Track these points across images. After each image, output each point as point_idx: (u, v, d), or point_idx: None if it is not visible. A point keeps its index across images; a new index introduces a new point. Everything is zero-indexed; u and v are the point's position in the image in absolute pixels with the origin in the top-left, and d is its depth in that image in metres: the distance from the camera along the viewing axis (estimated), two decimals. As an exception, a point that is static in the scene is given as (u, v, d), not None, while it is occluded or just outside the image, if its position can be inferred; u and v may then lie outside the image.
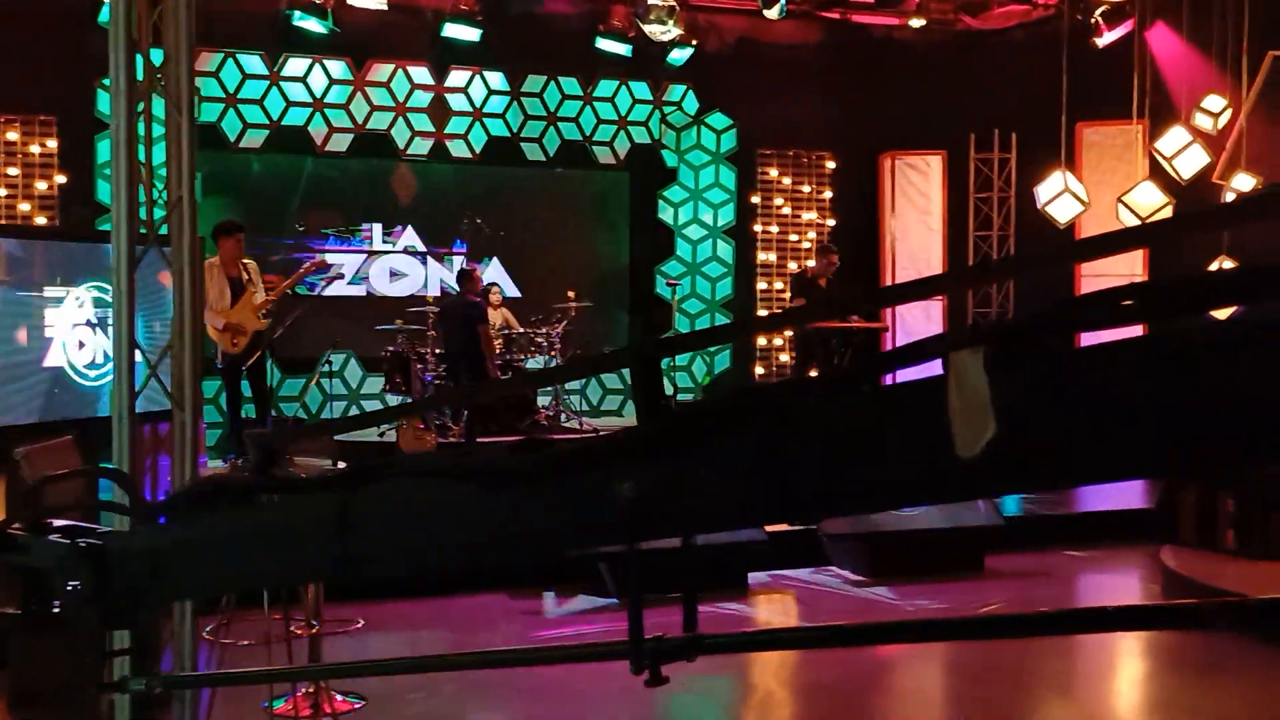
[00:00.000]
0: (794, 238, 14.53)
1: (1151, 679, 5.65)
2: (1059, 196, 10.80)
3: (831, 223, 14.56)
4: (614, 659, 1.38)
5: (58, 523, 1.87)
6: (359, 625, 5.64)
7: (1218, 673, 5.49)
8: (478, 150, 13.61)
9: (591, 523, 1.36)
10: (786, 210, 14.56)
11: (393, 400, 12.64)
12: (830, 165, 14.61)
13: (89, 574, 1.78)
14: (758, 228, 14.49)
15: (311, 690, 4.69)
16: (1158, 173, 10.72)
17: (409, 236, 13.56)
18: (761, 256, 14.51)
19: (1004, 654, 5.80)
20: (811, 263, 12.60)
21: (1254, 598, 1.11)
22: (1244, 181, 10.33)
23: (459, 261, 13.11)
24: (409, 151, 13.32)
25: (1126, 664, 5.99)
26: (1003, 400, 1.02)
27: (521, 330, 12.09)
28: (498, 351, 11.30)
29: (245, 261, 9.76)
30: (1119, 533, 8.08)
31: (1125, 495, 9.44)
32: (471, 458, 1.44)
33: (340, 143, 12.98)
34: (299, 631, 4.71)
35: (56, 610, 1.81)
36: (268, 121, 12.64)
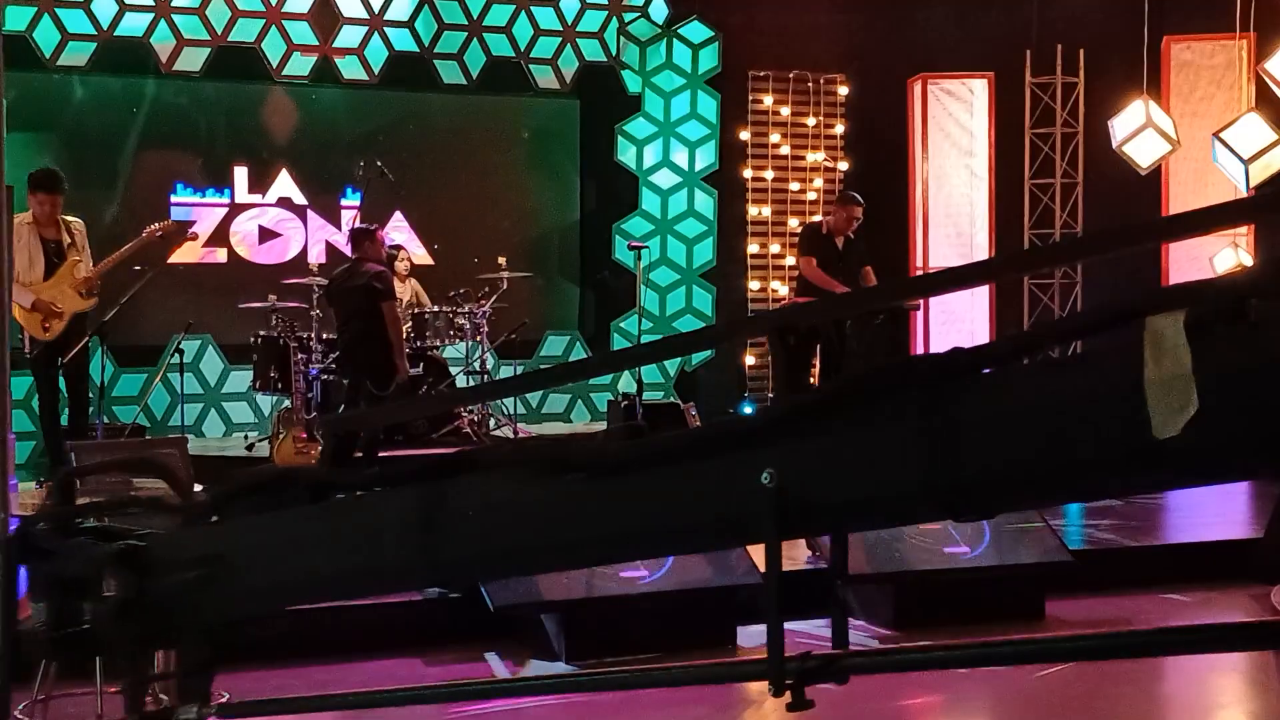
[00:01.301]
0: (796, 186, 14.60)
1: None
2: (1140, 132, 10.93)
3: (844, 166, 14.64)
4: (753, 679, 1.60)
5: (89, 524, 2.03)
6: (223, 698, 5.64)
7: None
8: (376, 71, 13.57)
9: (721, 517, 1.49)
10: (785, 150, 14.62)
11: (265, 401, 12.59)
12: (843, 91, 14.68)
13: (128, 582, 1.92)
14: (748, 173, 14.54)
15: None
16: (1267, 101, 10.86)
17: (284, 185, 13.52)
18: (753, 211, 14.55)
19: (1069, 712, 5.89)
20: (823, 217, 12.62)
21: None
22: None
23: (352, 218, 13.07)
24: (284, 72, 13.26)
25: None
26: (1208, 373, 1.11)
27: (438, 310, 12.08)
28: (407, 337, 11.28)
29: (68, 220, 9.70)
30: (1219, 570, 8.17)
31: (1226, 523, 9.56)
32: (578, 446, 1.59)
33: (193, 60, 12.90)
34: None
35: (87, 626, 1.96)
36: (95, 31, 12.54)
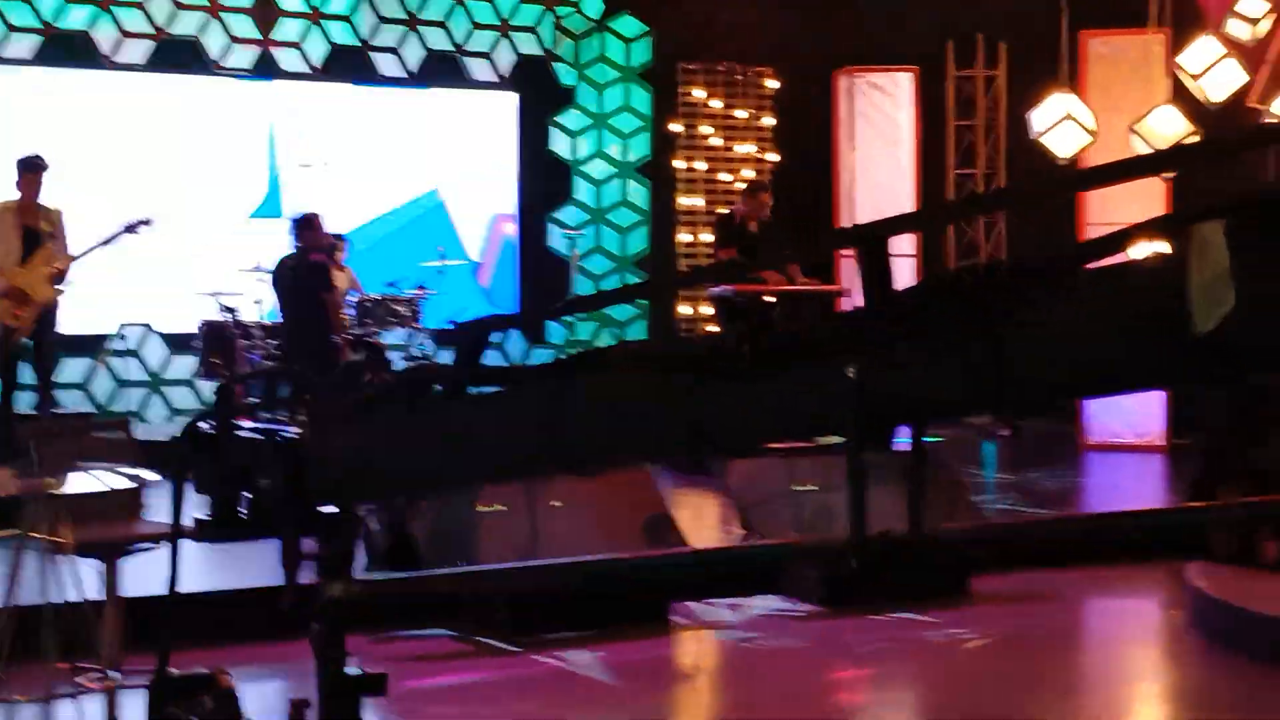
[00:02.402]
0: (726, 177, 14.59)
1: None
2: (1059, 124, 10.99)
3: (774, 157, 14.66)
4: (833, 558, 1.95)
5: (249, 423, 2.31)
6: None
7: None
8: (316, 63, 13.44)
9: (813, 409, 1.69)
10: (717, 142, 14.62)
11: (208, 387, 12.45)
12: (772, 85, 14.69)
13: (285, 471, 2.18)
14: (680, 164, 14.52)
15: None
16: (1181, 94, 10.96)
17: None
18: (684, 201, 14.55)
19: (990, 698, 5.92)
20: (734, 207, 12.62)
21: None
22: (1286, 106, 10.61)
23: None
24: (226, 65, 13.11)
25: (1145, 711, 6.16)
26: (1243, 275, 1.25)
27: (378, 297, 11.99)
28: (347, 324, 11.20)
29: (48, 208, 9.52)
30: (1138, 545, 8.27)
31: (1146, 500, 9.68)
32: (687, 346, 1.72)
33: (134, 52, 12.71)
34: (89, 685, 4.67)
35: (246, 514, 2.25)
36: (40, 25, 12.33)
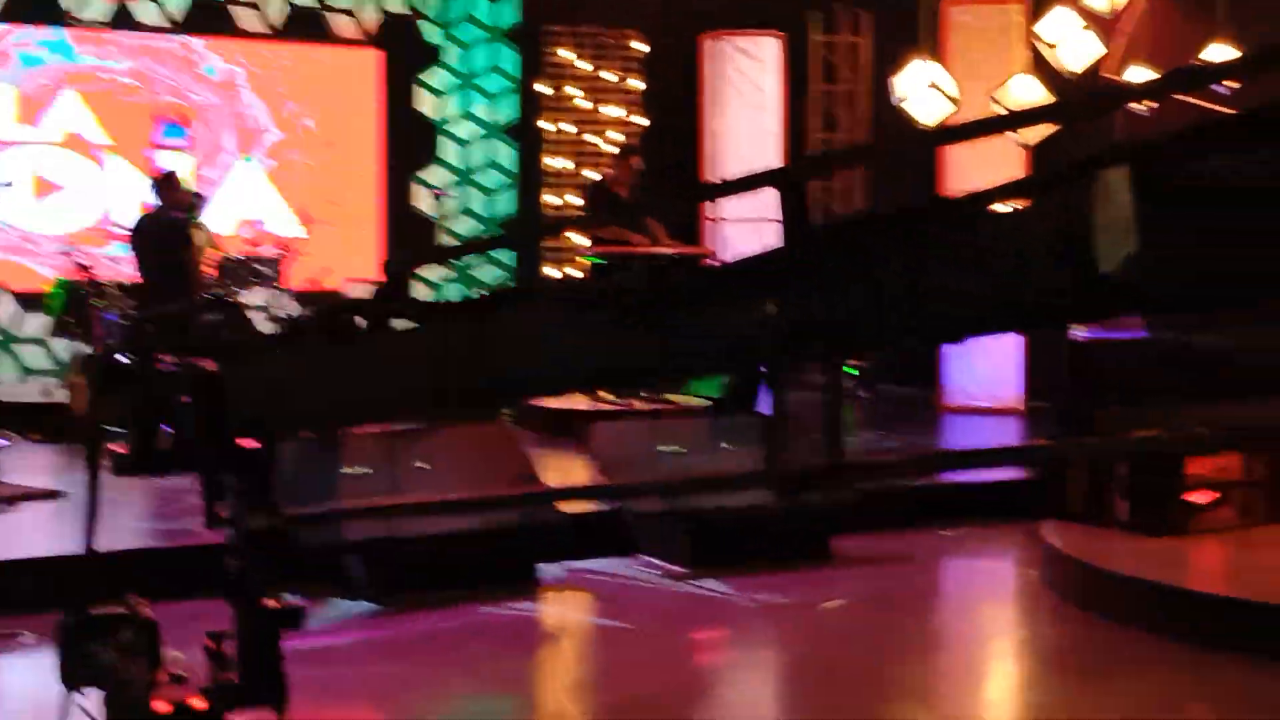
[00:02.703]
0: (594, 139, 14.52)
1: (1031, 685, 5.92)
2: (921, 91, 11.07)
3: (642, 121, 14.60)
4: (754, 486, 2.23)
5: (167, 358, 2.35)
6: (28, 639, 5.45)
7: (1107, 674, 5.77)
8: (176, 16, 13.10)
9: (732, 343, 1.73)
10: (585, 104, 14.52)
11: (61, 346, 12.12)
12: (640, 47, 14.62)
13: (208, 401, 2.22)
14: (547, 126, 14.41)
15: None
16: (1040, 64, 11.10)
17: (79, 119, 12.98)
18: (552, 163, 14.45)
19: (850, 657, 5.98)
20: (606, 172, 12.58)
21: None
22: (1141, 75, 10.81)
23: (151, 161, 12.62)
24: (81, 15, 12.72)
25: (997, 668, 6.26)
26: (1145, 220, 1.33)
27: (239, 257, 11.73)
28: (206, 284, 10.96)
29: None
30: (995, 508, 8.41)
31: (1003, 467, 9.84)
32: (607, 282, 2.05)
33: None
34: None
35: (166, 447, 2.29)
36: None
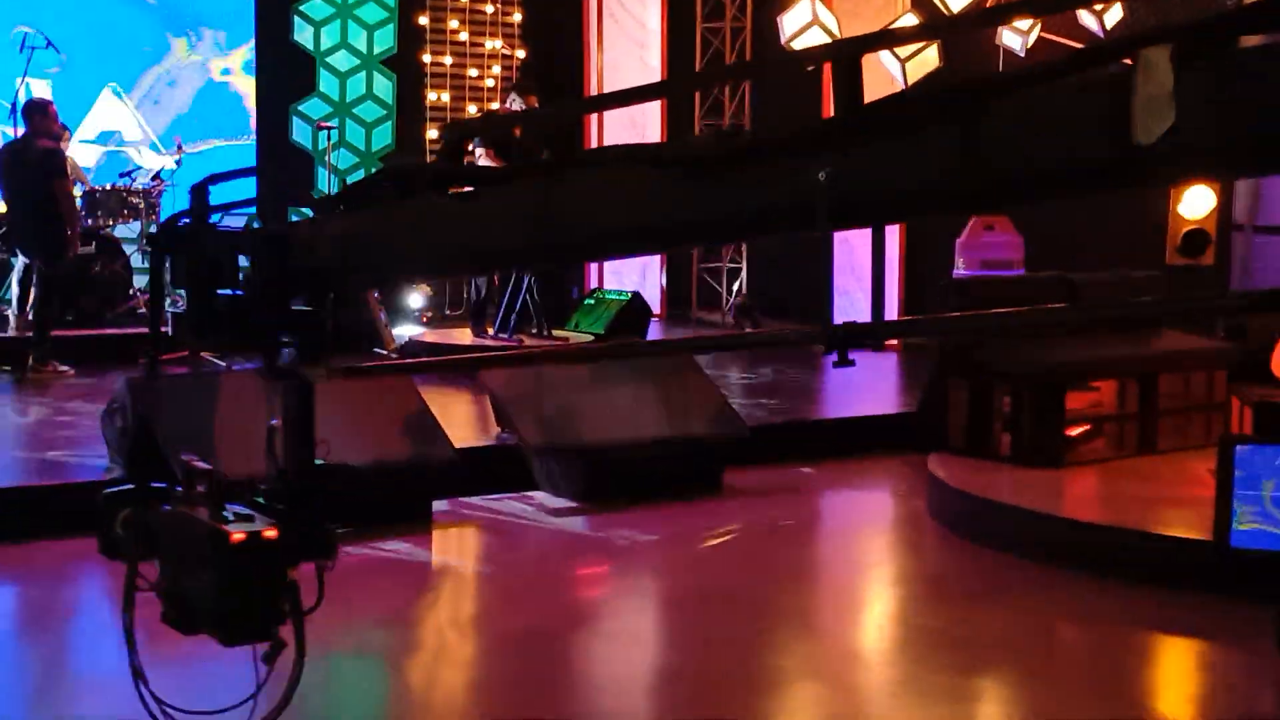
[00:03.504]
0: (474, 73, 14.44)
1: (911, 609, 6.11)
2: (806, 29, 11.19)
3: (522, 54, 14.55)
4: (812, 342, 2.12)
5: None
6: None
7: (986, 598, 5.98)
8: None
9: (785, 207, 1.77)
10: (464, 36, 14.43)
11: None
12: (520, -21, 14.54)
13: (272, 259, 2.25)
14: (426, 58, 14.30)
15: None
16: (922, 4, 11.27)
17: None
18: (432, 96, 14.35)
19: (734, 587, 6.11)
20: (507, 105, 12.52)
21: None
22: (1022, 20, 11.02)
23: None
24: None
25: (880, 594, 6.45)
26: (1183, 94, 1.42)
27: (109, 188, 11.52)
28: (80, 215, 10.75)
29: None
30: (882, 441, 8.62)
31: (880, 401, 10.08)
32: (668, 146, 1.92)
33: None
34: None
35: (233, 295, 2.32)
36: None
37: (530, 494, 7.51)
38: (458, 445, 7.14)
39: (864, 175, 1.70)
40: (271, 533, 2.46)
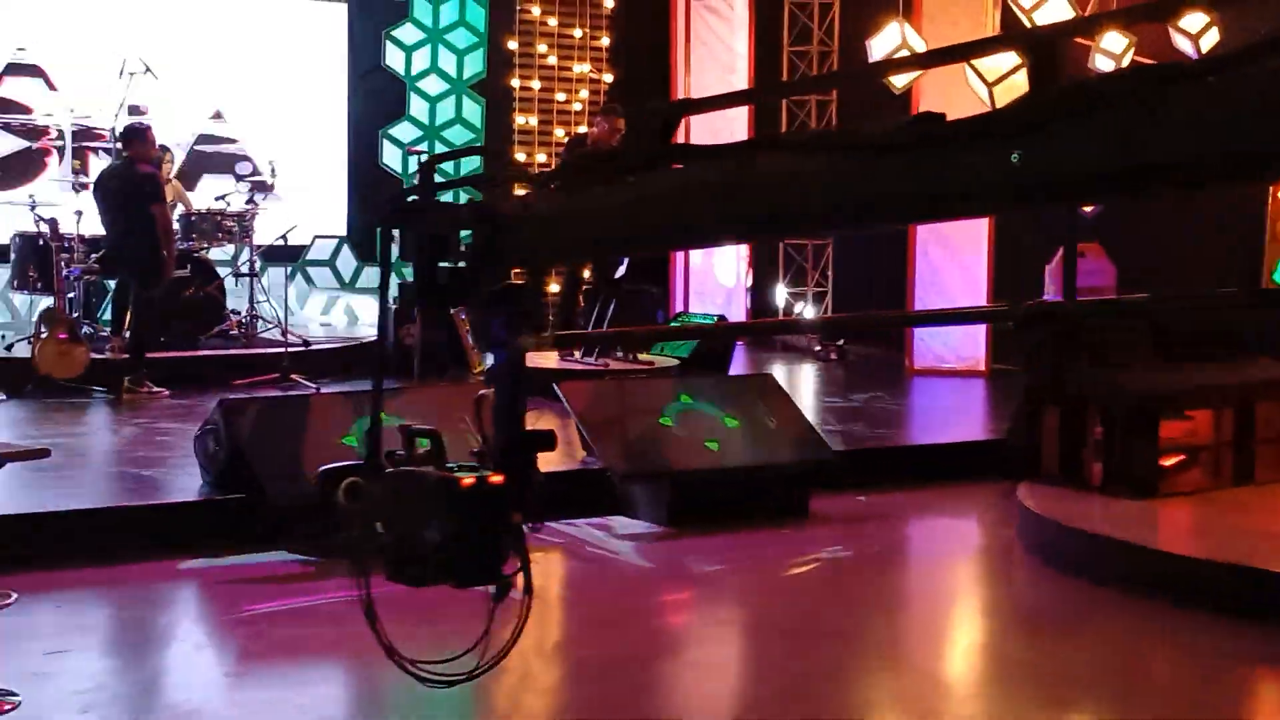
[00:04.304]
0: (562, 97, 14.51)
1: (1001, 641, 6.02)
2: (895, 53, 11.14)
3: (610, 78, 14.60)
4: (1004, 320, 2.75)
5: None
6: (10, 600, 5.44)
7: (1077, 631, 5.89)
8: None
9: (978, 187, 1.87)
10: (552, 60, 14.51)
11: (21, 300, 12.05)
12: (609, 4, 14.60)
13: (487, 234, 2.47)
14: (515, 83, 14.40)
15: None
16: (1012, 26, 11.19)
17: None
18: (520, 120, 14.43)
19: (820, 616, 6.06)
20: (595, 129, 12.57)
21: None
22: (1115, 41, 10.90)
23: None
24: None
25: (969, 625, 6.36)
26: None
27: (205, 212, 11.69)
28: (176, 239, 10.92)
29: None
30: (971, 468, 8.52)
31: (968, 427, 9.97)
32: (861, 132, 1.97)
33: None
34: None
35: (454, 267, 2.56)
36: None
37: (615, 518, 7.50)
38: (543, 469, 7.14)
39: (1055, 156, 1.78)
40: (497, 478, 2.63)
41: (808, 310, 14.12)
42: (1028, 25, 10.82)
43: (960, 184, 1.90)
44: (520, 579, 2.81)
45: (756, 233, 2.60)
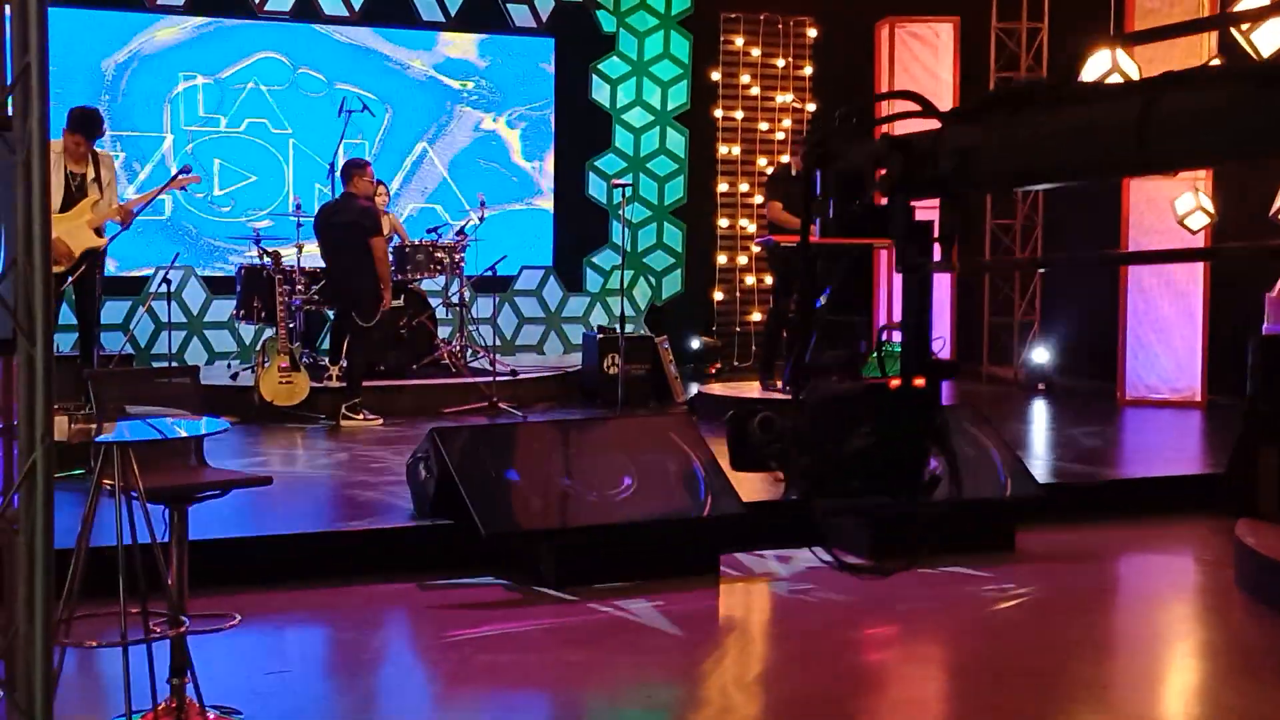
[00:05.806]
0: (765, 126, 14.56)
1: (1217, 685, 5.83)
2: (1106, 78, 10.90)
3: (813, 107, 14.60)
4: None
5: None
6: (235, 621, 5.65)
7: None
8: (355, 6, 13.41)
9: None
10: (755, 91, 14.57)
11: (247, 330, 12.54)
12: (812, 33, 14.62)
13: (899, 163, 2.58)
14: (718, 113, 14.49)
15: (174, 704, 4.70)
16: (1229, 51, 10.86)
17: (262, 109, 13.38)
18: (723, 150, 14.52)
19: (1026, 655, 5.93)
20: (798, 158, 12.58)
21: None
22: (1337, 63, 10.50)
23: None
24: (266, 8, 13.10)
25: (1182, 668, 6.17)
26: None
27: (418, 243, 12.02)
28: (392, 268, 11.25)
29: (98, 153, 9.32)
30: (1186, 503, 8.27)
31: (1186, 460, 9.67)
32: (1267, 63, 2.29)
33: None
34: (158, 629, 4.72)
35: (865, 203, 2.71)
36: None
37: (817, 550, 7.46)
38: (745, 498, 7.17)
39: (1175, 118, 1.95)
40: (920, 380, 2.72)
41: (1014, 341, 13.87)
42: (1245, 46, 10.49)
43: None
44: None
45: (1156, 168, 2.65)
